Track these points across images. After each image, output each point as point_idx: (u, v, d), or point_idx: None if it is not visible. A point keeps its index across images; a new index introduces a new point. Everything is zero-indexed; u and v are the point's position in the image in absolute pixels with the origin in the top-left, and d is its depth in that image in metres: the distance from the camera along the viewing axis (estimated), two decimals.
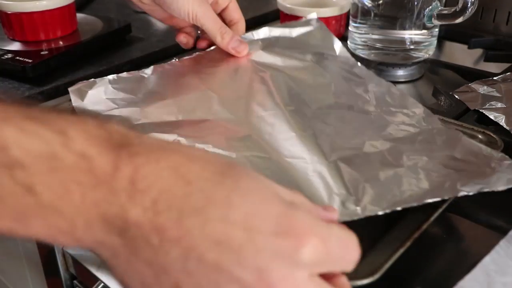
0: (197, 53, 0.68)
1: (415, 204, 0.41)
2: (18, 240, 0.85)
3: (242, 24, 0.68)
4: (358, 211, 0.40)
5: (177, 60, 0.66)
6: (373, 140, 0.49)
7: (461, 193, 0.41)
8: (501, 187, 0.42)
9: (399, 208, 0.40)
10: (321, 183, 0.43)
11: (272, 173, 0.44)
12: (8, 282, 1.02)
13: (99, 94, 0.59)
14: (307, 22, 0.71)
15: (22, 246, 0.85)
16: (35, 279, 0.86)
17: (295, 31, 0.69)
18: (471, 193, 0.42)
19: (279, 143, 0.49)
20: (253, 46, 0.66)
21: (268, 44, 0.67)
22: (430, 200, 0.41)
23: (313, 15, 0.72)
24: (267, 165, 0.46)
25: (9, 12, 0.71)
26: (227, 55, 0.65)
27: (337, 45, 0.68)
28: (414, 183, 0.44)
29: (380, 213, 0.40)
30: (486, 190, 0.42)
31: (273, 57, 0.64)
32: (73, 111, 0.57)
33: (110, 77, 0.62)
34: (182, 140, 0.50)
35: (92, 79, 0.61)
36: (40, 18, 0.72)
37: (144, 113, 0.55)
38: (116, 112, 0.55)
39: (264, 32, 0.69)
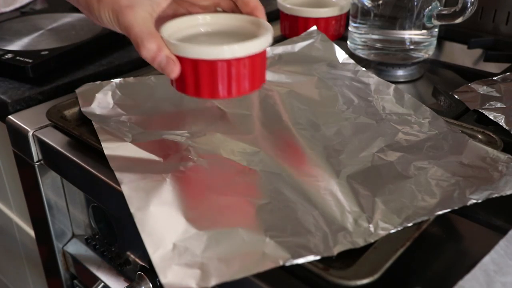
0: None
1: (425, 218, 0.41)
2: (18, 240, 0.85)
3: (259, 11, 0.52)
4: (370, 229, 0.41)
5: None
6: (381, 152, 0.50)
7: (470, 202, 0.42)
8: (509, 191, 0.43)
9: (410, 224, 0.41)
10: (332, 201, 0.44)
11: (289, 191, 0.45)
12: (8, 282, 1.02)
13: (106, 99, 0.59)
14: (308, 35, 0.72)
15: (22, 246, 0.85)
16: (35, 279, 0.86)
17: (297, 46, 0.71)
18: (480, 201, 0.42)
19: (289, 161, 0.49)
20: None
21: (272, 63, 0.68)
22: (440, 212, 0.41)
23: (313, 28, 0.73)
24: (280, 181, 0.46)
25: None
26: None
27: (340, 53, 0.69)
28: (424, 195, 0.44)
29: (393, 231, 0.40)
30: (495, 195, 0.42)
31: (278, 75, 0.65)
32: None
33: (117, 80, 0.62)
34: (194, 148, 0.50)
35: (99, 82, 0.62)
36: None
37: (154, 123, 0.55)
38: (125, 118, 0.56)
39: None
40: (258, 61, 0.47)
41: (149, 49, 0.45)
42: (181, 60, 0.45)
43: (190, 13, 0.52)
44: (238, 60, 0.45)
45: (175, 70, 0.46)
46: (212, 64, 0.44)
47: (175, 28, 0.49)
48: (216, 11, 0.52)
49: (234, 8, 0.52)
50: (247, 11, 0.51)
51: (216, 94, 0.46)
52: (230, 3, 0.52)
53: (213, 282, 0.36)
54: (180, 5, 0.52)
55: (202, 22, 0.51)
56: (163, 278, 0.36)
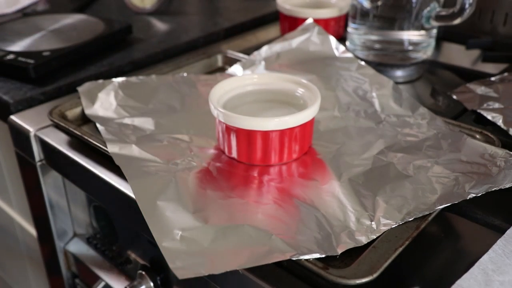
0: (200, 75, 0.69)
1: (426, 213, 0.42)
2: (20, 240, 0.85)
3: None
4: (373, 226, 0.41)
5: (185, 74, 0.67)
6: (381, 154, 0.50)
7: (470, 196, 0.43)
8: (508, 184, 0.44)
9: (411, 219, 0.41)
10: (335, 202, 0.44)
11: (292, 193, 0.45)
12: (10, 280, 1.02)
13: (109, 99, 0.59)
14: (304, 29, 0.72)
15: (24, 245, 0.85)
16: (37, 277, 0.86)
17: (295, 42, 0.70)
18: (479, 194, 0.43)
19: (289, 166, 0.50)
20: (257, 67, 0.67)
21: (271, 62, 0.68)
22: (441, 207, 0.42)
23: (308, 20, 0.72)
24: (283, 183, 0.47)
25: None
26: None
27: (337, 46, 0.69)
28: (425, 191, 0.45)
29: (394, 226, 0.41)
30: (494, 189, 0.43)
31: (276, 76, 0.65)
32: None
33: (119, 79, 0.62)
34: (198, 151, 0.51)
35: (101, 80, 0.62)
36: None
37: (157, 125, 0.55)
38: (128, 121, 0.56)
39: (265, 51, 0.70)
40: (308, 127, 0.50)
41: None
42: (236, 130, 0.48)
43: None
44: (290, 129, 0.48)
45: None
46: (265, 134, 0.47)
47: (222, 91, 0.52)
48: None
49: None
50: None
51: (269, 161, 0.49)
52: None
53: (221, 269, 0.36)
54: None
55: (249, 82, 0.54)
56: (172, 264, 0.36)
